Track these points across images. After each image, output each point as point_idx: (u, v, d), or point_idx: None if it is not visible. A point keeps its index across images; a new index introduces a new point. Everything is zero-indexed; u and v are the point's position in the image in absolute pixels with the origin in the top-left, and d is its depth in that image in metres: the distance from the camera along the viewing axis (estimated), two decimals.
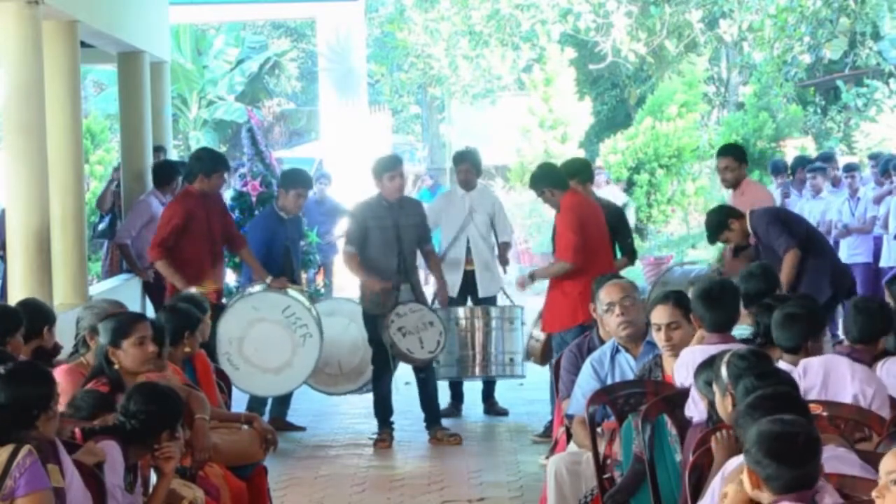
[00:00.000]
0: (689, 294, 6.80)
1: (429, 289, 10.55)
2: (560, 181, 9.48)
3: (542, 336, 9.62)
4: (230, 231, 10.08)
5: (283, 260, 10.22)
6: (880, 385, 5.71)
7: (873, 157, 15.77)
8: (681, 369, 5.93)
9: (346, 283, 18.44)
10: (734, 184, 9.88)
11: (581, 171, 10.01)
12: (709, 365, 5.31)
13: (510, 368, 10.40)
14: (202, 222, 9.69)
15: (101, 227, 13.16)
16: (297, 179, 10.40)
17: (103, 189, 13.78)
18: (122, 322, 5.94)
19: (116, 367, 5.79)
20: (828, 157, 15.24)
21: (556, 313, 9.39)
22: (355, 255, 9.69)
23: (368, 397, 10.34)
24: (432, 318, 9.70)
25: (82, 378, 5.91)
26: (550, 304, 9.48)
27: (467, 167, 10.65)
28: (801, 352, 5.99)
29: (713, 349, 5.72)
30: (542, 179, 9.53)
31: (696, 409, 5.67)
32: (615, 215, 10.06)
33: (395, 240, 9.67)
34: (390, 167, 9.72)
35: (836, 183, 13.95)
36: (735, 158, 9.90)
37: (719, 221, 9.12)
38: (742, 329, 6.66)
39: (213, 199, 10.00)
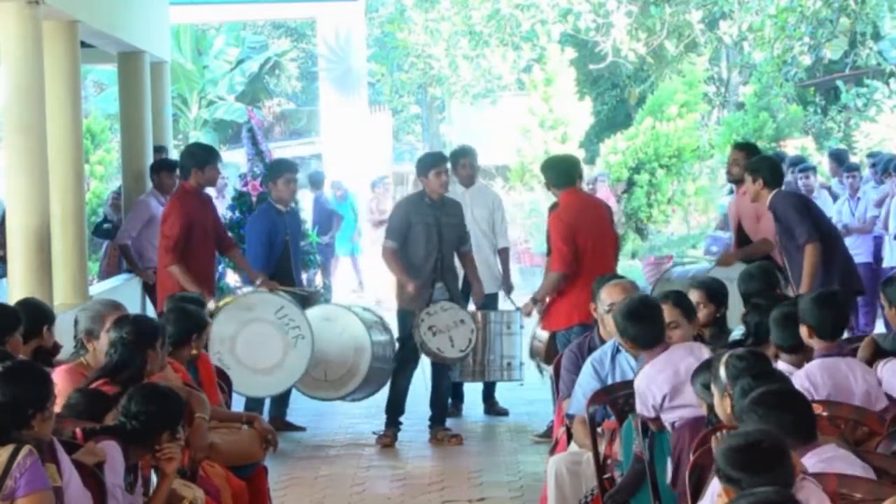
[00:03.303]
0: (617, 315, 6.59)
1: None
2: (558, 179, 9.49)
3: (544, 336, 9.61)
4: (220, 231, 10.10)
5: (281, 256, 10.22)
6: (876, 376, 5.75)
7: (872, 155, 15.76)
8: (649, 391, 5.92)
9: (346, 284, 18.47)
10: (737, 179, 9.86)
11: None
12: (706, 368, 5.32)
13: (508, 373, 10.39)
14: (200, 220, 9.72)
15: (105, 226, 13.17)
16: (282, 167, 10.42)
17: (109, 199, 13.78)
18: (156, 326, 6.12)
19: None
20: (799, 161, 15.14)
21: (555, 313, 9.39)
22: (396, 250, 9.70)
23: (370, 398, 10.35)
24: (464, 317, 9.69)
25: (82, 378, 5.91)
26: (550, 303, 9.49)
27: (469, 161, 10.66)
28: (801, 351, 6.00)
29: (661, 361, 5.89)
30: (545, 172, 9.67)
31: (645, 407, 5.83)
32: None
33: (437, 238, 9.68)
34: (436, 163, 9.76)
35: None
36: (746, 156, 9.83)
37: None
38: (741, 329, 6.66)
39: (206, 198, 10.02)
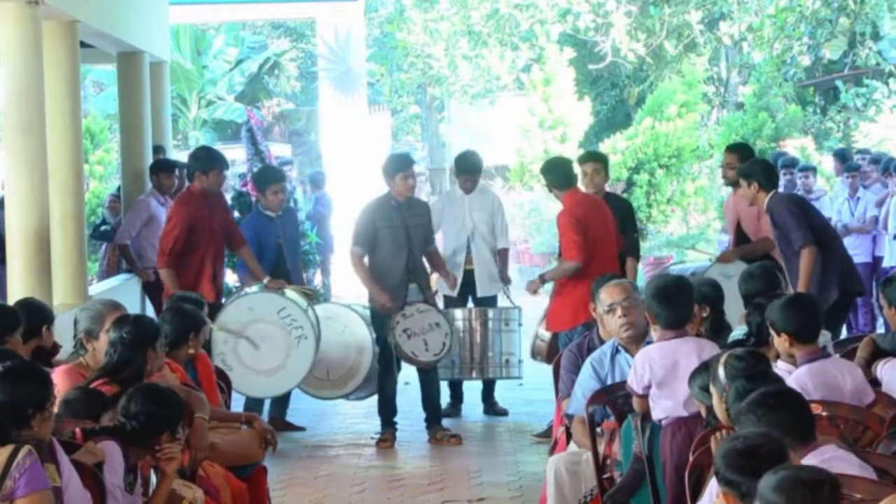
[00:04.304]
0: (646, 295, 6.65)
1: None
2: (559, 180, 9.50)
3: (547, 336, 9.62)
4: (231, 229, 10.10)
5: (276, 259, 10.22)
6: (859, 370, 5.76)
7: (863, 151, 15.74)
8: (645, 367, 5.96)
9: (345, 284, 18.43)
10: (734, 182, 9.87)
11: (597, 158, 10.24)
12: (704, 370, 5.32)
13: (506, 370, 10.41)
14: (205, 222, 9.74)
15: (103, 227, 13.18)
16: (268, 179, 10.42)
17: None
18: (156, 326, 6.12)
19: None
20: (790, 163, 15.09)
21: (559, 313, 9.38)
22: (363, 256, 9.67)
23: (372, 397, 10.35)
24: (438, 320, 9.68)
25: (82, 379, 5.91)
26: (554, 304, 9.49)
27: (475, 178, 10.57)
28: None
29: (668, 347, 5.90)
30: (546, 174, 9.65)
31: (636, 380, 5.89)
32: (622, 209, 10.10)
33: (405, 240, 9.65)
34: (403, 167, 9.71)
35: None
36: (740, 158, 9.83)
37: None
38: (740, 329, 6.66)
39: (215, 197, 10.03)
